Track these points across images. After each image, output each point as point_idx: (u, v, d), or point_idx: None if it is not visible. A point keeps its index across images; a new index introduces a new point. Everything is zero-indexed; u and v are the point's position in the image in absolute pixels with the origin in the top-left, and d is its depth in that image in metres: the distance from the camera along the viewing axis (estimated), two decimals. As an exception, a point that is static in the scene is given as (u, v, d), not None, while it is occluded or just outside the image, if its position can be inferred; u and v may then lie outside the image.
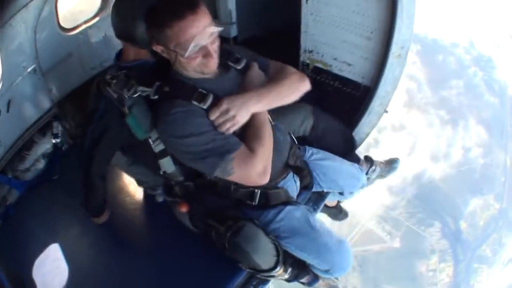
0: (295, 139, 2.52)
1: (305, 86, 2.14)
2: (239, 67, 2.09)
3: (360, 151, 3.21)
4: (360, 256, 24.67)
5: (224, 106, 1.85)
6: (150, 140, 2.12)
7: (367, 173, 3.10)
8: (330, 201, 3.36)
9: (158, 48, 1.89)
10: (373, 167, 3.15)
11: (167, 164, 2.20)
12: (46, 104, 3.29)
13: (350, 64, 3.15)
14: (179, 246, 2.56)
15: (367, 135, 3.24)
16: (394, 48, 2.84)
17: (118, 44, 3.67)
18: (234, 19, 4.21)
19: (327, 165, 2.59)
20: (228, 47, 2.11)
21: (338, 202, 3.53)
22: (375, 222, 26.71)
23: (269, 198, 2.20)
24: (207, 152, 1.86)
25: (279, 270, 2.21)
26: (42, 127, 3.28)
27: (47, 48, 3.10)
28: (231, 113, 1.85)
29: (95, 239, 2.79)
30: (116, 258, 2.65)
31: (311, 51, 3.32)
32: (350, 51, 3.09)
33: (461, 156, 28.98)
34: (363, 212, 25.15)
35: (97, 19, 3.53)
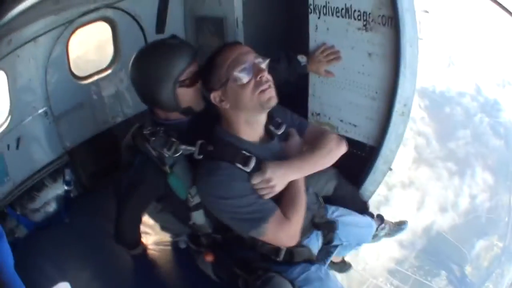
0: (322, 200, 2.62)
1: (343, 150, 2.28)
2: (279, 133, 2.20)
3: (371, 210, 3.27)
4: (369, 312, 24.02)
5: (267, 175, 1.96)
6: (189, 195, 2.17)
7: (376, 230, 3.18)
8: (337, 256, 3.34)
9: (216, 95, 1.98)
10: (383, 225, 3.25)
11: (198, 217, 2.27)
12: (57, 149, 3.37)
13: (355, 125, 3.19)
14: None
15: (373, 193, 3.26)
16: (398, 106, 2.89)
17: (130, 99, 3.74)
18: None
19: (348, 221, 2.72)
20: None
21: (343, 257, 3.53)
22: (383, 277, 26.25)
23: (293, 255, 2.27)
24: (245, 214, 1.97)
25: None
26: (53, 172, 3.34)
27: (59, 93, 3.19)
28: (272, 183, 1.97)
29: (108, 282, 2.80)
30: None
31: (318, 114, 3.37)
32: (355, 112, 3.14)
33: (468, 204, 28.66)
34: (371, 268, 24.77)
35: (109, 71, 3.60)
